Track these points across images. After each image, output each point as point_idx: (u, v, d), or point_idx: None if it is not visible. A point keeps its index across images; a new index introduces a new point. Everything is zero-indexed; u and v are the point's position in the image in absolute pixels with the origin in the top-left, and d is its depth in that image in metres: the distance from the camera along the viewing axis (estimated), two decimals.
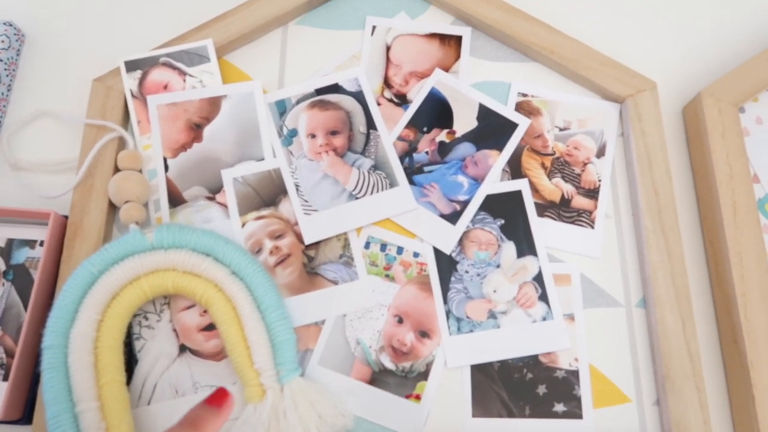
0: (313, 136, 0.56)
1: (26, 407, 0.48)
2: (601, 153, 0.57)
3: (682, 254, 0.52)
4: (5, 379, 0.48)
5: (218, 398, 0.39)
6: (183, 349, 0.50)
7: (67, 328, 0.46)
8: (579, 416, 0.49)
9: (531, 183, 0.55)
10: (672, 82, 0.61)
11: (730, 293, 0.51)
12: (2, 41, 0.58)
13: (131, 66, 0.57)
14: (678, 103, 0.60)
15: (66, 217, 0.52)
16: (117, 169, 0.54)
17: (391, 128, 0.57)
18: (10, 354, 0.49)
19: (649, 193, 0.54)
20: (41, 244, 0.52)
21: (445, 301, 0.52)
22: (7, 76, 0.59)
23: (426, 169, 0.56)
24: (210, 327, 0.50)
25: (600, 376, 0.50)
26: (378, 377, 0.50)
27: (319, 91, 0.58)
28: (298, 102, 0.57)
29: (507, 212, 0.54)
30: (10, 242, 0.52)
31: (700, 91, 0.56)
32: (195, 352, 0.50)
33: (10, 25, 0.59)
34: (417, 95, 0.58)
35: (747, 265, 0.51)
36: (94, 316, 0.46)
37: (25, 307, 0.50)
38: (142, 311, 0.51)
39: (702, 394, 0.48)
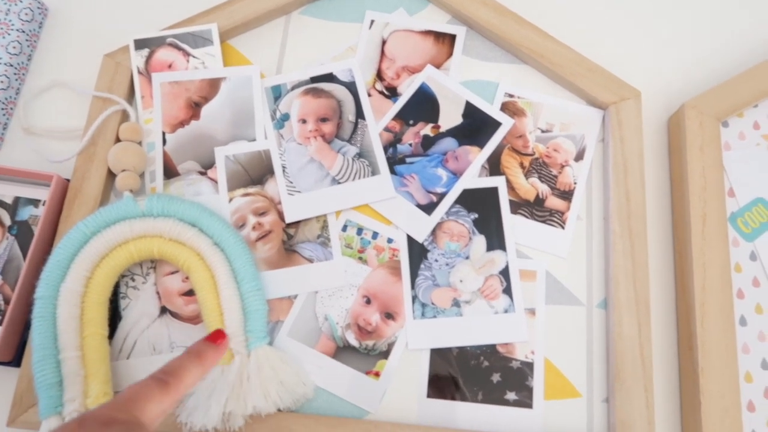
0: (304, 121, 0.59)
1: (17, 351, 0.52)
2: (579, 157, 0.58)
3: (646, 260, 0.53)
4: (1, 324, 0.53)
5: (216, 337, 0.46)
6: (164, 311, 0.54)
7: (59, 282, 0.50)
8: (529, 406, 0.51)
9: (508, 181, 0.57)
10: (660, 92, 0.62)
11: (691, 302, 0.52)
12: (26, 14, 0.63)
13: (140, 44, 0.60)
14: (665, 114, 0.61)
15: (68, 181, 0.56)
16: (119, 140, 0.58)
17: (379, 119, 0.59)
18: (8, 302, 0.54)
19: (621, 198, 0.55)
20: (44, 203, 0.56)
21: (413, 287, 0.54)
22: (29, 46, 0.63)
23: (408, 160, 0.58)
24: (190, 292, 0.54)
25: (554, 369, 0.52)
26: (341, 352, 0.53)
27: (314, 79, 0.61)
28: (293, 88, 0.60)
29: (481, 207, 0.56)
30: (17, 200, 0.57)
31: (684, 103, 0.57)
32: (174, 315, 0.54)
33: None
34: (407, 89, 0.60)
35: (710, 276, 0.52)
36: (83, 273, 0.50)
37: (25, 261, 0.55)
38: (129, 272, 0.55)
39: (649, 395, 0.50)
